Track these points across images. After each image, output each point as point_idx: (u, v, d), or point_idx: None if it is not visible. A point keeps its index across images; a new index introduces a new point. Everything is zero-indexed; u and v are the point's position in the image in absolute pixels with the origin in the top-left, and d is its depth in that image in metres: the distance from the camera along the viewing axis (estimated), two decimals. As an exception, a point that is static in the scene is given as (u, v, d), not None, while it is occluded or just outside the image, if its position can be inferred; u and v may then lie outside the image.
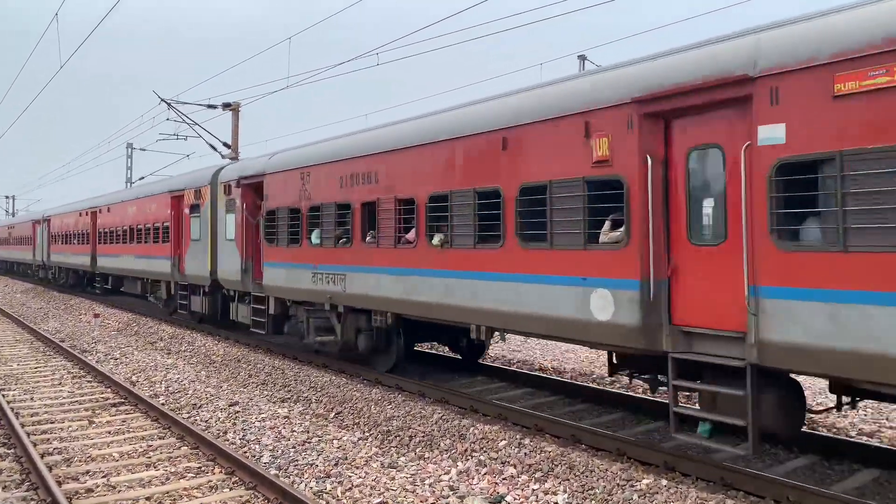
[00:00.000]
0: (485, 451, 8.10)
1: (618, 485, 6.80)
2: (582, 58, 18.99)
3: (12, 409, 10.52)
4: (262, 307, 15.11)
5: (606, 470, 7.12)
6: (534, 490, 7.01)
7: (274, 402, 11.10)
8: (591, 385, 11.49)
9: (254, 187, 15.62)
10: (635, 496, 6.55)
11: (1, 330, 20.68)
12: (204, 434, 8.91)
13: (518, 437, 8.28)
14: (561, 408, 9.99)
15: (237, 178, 16.05)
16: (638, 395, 10.44)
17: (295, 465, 8.08)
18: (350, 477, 7.62)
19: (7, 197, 72.08)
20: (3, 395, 11.44)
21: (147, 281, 23.01)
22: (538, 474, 7.36)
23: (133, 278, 24.42)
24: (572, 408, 10.00)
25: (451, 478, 7.50)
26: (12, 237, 49.25)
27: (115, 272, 26.03)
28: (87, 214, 29.63)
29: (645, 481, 6.77)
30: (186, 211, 19.22)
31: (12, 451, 8.68)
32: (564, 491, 6.91)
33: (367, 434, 9.27)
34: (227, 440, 9.19)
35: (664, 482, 6.72)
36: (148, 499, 7.13)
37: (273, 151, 15.56)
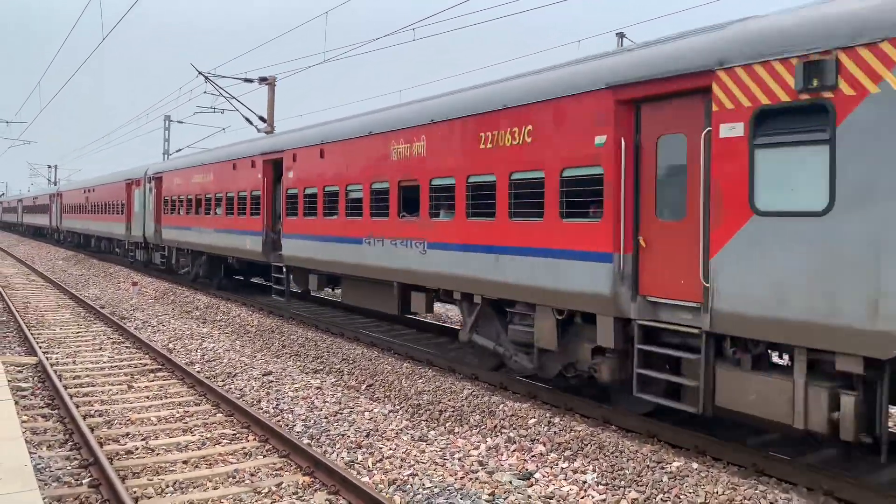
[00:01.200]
0: (514, 429, 8.15)
1: (648, 466, 6.81)
2: (620, 35, 18.64)
3: (55, 371, 10.85)
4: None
5: (636, 451, 7.12)
6: (563, 468, 7.05)
7: (306, 373, 11.28)
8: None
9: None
10: (665, 478, 6.55)
11: (44, 295, 21.27)
12: (239, 402, 9.11)
13: (548, 415, 8.31)
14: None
15: None
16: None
17: (327, 436, 8.23)
18: (381, 448, 7.74)
19: (49, 166, 73.68)
20: (48, 358, 11.80)
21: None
22: (567, 453, 7.39)
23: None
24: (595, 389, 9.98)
25: (480, 453, 7.58)
26: (91, 203, 36.79)
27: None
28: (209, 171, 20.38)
29: (675, 464, 6.76)
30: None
31: (56, 412, 8.98)
32: (594, 470, 6.94)
33: (398, 407, 9.39)
34: (261, 409, 9.38)
35: (695, 465, 6.70)
36: (185, 462, 7.34)
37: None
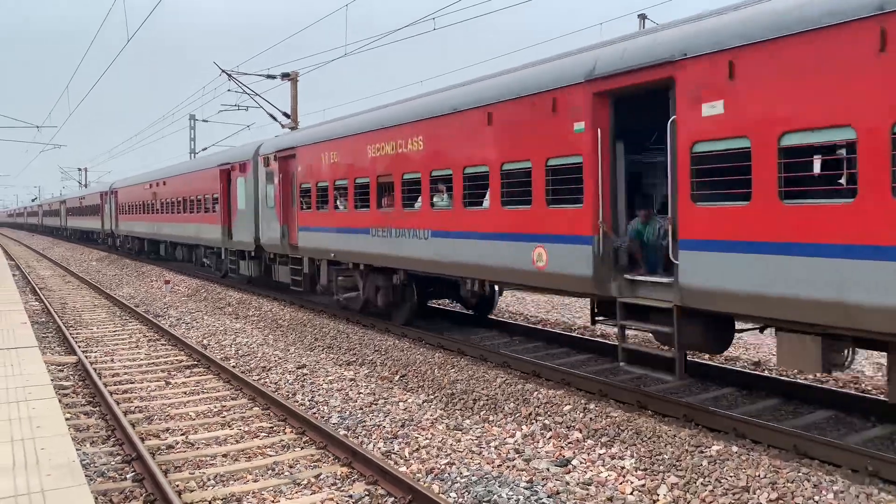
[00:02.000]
0: (549, 416, 8.14)
1: (686, 450, 6.75)
2: (642, 17, 18.36)
3: (95, 370, 11.07)
4: None
5: (674, 436, 7.07)
6: (600, 455, 7.02)
7: (340, 365, 11.37)
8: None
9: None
10: (705, 462, 6.49)
11: (80, 296, 21.70)
12: (274, 395, 9.22)
13: (583, 402, 8.28)
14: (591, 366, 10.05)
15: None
16: (704, 362, 10.27)
17: (363, 427, 8.29)
18: (417, 438, 7.78)
19: (79, 169, 74.95)
20: (87, 357, 12.04)
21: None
22: (604, 439, 7.36)
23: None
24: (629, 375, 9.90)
25: (516, 441, 7.58)
26: (161, 200, 28.97)
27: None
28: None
29: (715, 447, 6.69)
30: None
31: (97, 409, 9.17)
32: (632, 456, 6.90)
33: (432, 397, 9.42)
34: (297, 402, 9.48)
35: (735, 449, 6.63)
36: (225, 455, 7.45)
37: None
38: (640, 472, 6.56)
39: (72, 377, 10.91)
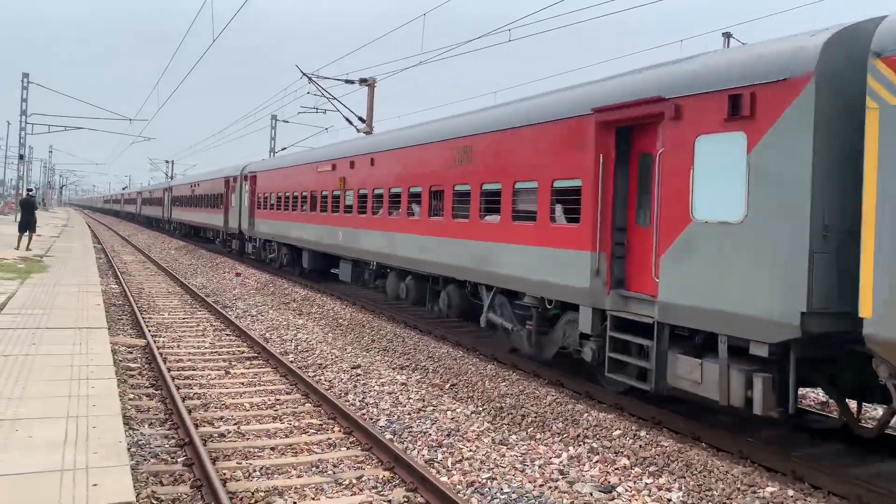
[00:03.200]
0: (598, 439, 7.95)
1: (738, 489, 6.46)
2: (727, 35, 17.82)
3: (161, 354, 11.50)
4: None
5: (727, 472, 6.77)
6: (647, 484, 6.80)
7: (393, 369, 11.44)
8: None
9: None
10: (757, 503, 6.19)
11: (157, 283, 22.65)
12: (327, 393, 9.35)
13: (634, 428, 8.05)
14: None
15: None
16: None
17: (409, 432, 8.30)
18: (461, 449, 7.73)
19: (167, 161, 78.43)
20: (155, 341, 12.54)
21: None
22: (652, 468, 7.13)
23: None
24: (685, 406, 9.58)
25: (561, 461, 7.43)
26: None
27: None
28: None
29: (769, 489, 6.37)
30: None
31: (159, 392, 9.52)
32: (680, 489, 6.65)
33: (480, 408, 9.36)
34: (348, 401, 9.59)
35: (791, 492, 6.30)
36: (272, 449, 7.59)
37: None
38: (686, 506, 6.31)
39: (139, 359, 11.37)
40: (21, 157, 47.84)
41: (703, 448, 7.55)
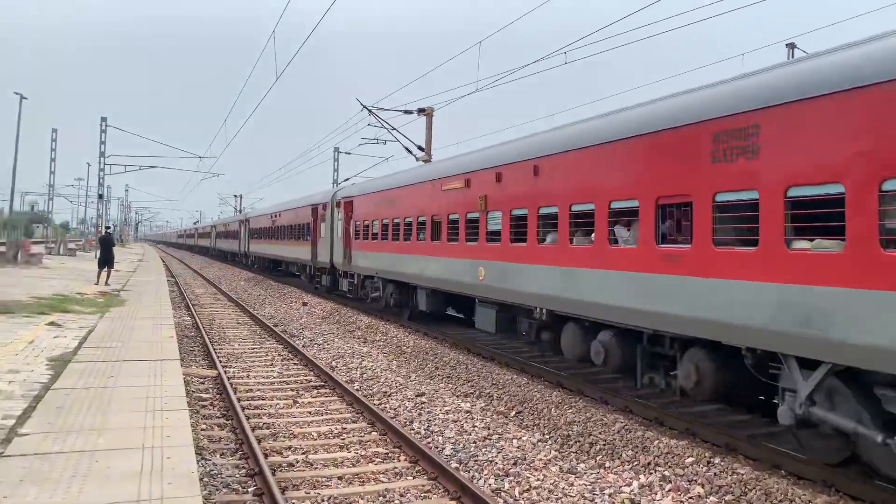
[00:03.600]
0: (669, 467, 7.70)
1: (822, 519, 6.13)
2: (791, 46, 17.34)
3: (231, 384, 11.79)
4: None
5: (809, 501, 6.45)
6: (723, 514, 6.54)
7: (458, 396, 11.40)
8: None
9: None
10: (843, 534, 5.86)
11: (227, 314, 23.31)
12: (392, 422, 9.38)
13: (707, 455, 7.77)
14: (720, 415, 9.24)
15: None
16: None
17: (475, 461, 8.23)
18: (528, 478, 7.61)
19: (235, 196, 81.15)
20: (225, 372, 12.87)
21: None
22: (728, 497, 6.85)
23: None
24: (764, 429, 9.18)
25: (632, 490, 7.23)
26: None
27: None
28: None
29: (856, 519, 6.03)
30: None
31: (230, 422, 9.74)
32: (758, 519, 6.36)
33: (547, 436, 9.21)
34: (413, 429, 9.59)
35: (880, 523, 5.94)
36: (340, 478, 7.65)
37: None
38: (767, 538, 6.03)
39: (211, 390, 11.68)
40: (100, 196, 50.36)
41: (783, 476, 7.22)
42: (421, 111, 23.91)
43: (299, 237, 31.56)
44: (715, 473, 7.32)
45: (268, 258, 41.22)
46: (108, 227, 36.04)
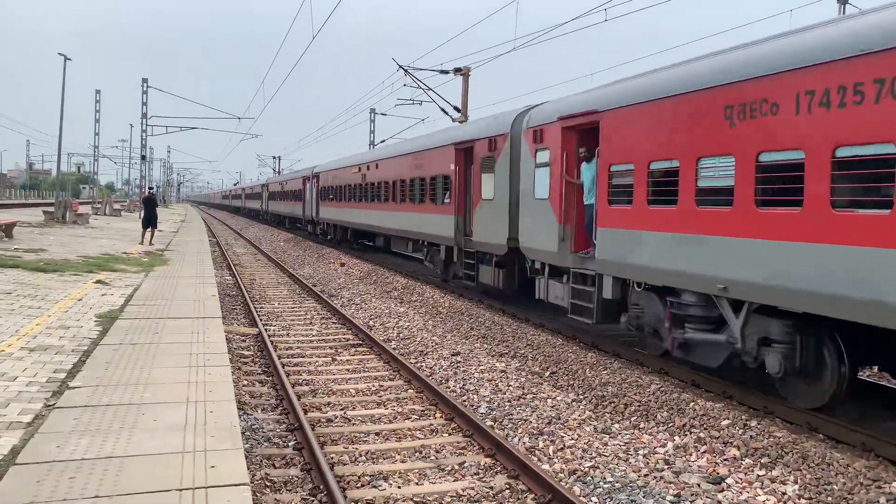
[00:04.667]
0: (705, 429, 7.68)
1: (861, 483, 6.07)
2: (843, 1, 16.56)
3: (272, 342, 12.06)
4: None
5: (848, 465, 6.38)
6: (759, 476, 6.52)
7: (492, 356, 11.49)
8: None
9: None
10: (882, 499, 5.80)
11: (267, 273, 23.73)
12: (428, 380, 9.52)
13: (744, 417, 7.72)
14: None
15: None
16: (881, 383, 9.17)
17: (509, 419, 8.33)
18: (562, 437, 7.68)
19: (274, 157, 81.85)
20: (266, 330, 13.16)
21: None
22: (765, 460, 6.81)
23: None
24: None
25: (666, 451, 7.24)
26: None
27: None
28: None
29: (896, 484, 5.96)
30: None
31: (271, 378, 9.99)
32: (795, 482, 6.33)
33: (581, 397, 9.24)
34: (449, 388, 9.72)
35: (920, 488, 5.86)
36: (377, 434, 7.82)
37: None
38: (803, 501, 6.01)
39: (252, 347, 11.97)
40: (143, 157, 51.26)
41: (821, 440, 7.15)
42: (457, 71, 23.62)
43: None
44: (751, 436, 7.28)
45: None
46: (151, 188, 36.77)
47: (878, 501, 5.79)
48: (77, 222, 35.76)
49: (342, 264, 24.91)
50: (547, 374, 10.39)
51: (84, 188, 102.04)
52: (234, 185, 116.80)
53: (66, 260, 18.46)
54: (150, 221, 26.97)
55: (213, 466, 4.79)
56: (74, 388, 6.72)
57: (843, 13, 15.92)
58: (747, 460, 6.86)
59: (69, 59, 34.69)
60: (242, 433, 6.70)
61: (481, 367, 10.69)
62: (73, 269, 16.54)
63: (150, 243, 26.41)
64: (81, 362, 7.84)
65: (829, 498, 5.99)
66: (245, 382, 9.65)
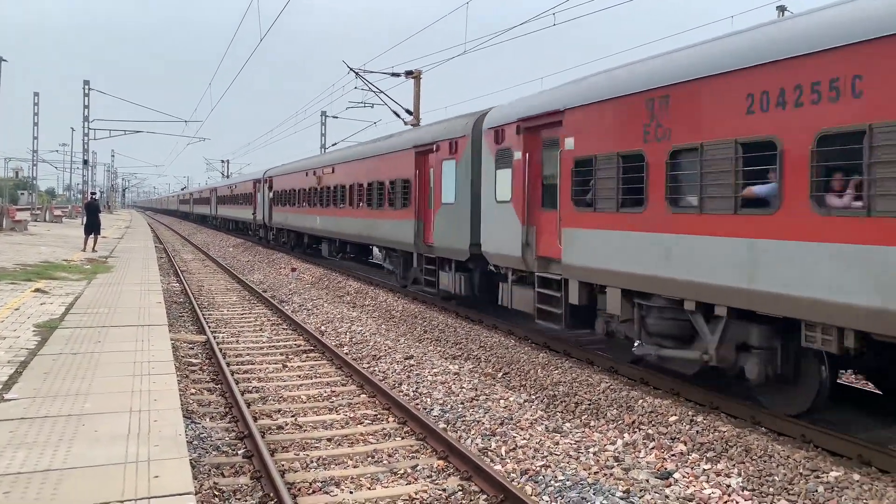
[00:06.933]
0: (653, 426, 7.83)
1: (801, 474, 6.27)
2: (781, 8, 17.18)
3: (221, 350, 11.83)
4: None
5: (788, 457, 6.59)
6: (705, 470, 6.67)
7: (446, 359, 11.49)
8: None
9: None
10: (821, 488, 6.00)
11: (216, 280, 23.27)
12: (381, 384, 9.47)
13: (690, 413, 7.90)
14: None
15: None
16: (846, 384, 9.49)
17: (462, 421, 8.34)
18: (514, 437, 7.73)
19: (222, 161, 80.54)
20: (214, 337, 12.89)
21: None
22: (710, 454, 6.98)
23: None
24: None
25: (616, 448, 7.35)
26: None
27: None
28: None
29: (833, 474, 6.17)
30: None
31: (219, 386, 9.79)
32: (739, 474, 6.50)
33: (533, 397, 9.32)
34: (402, 391, 9.68)
35: (857, 477, 6.08)
36: (329, 440, 7.73)
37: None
38: (746, 493, 6.17)
39: (200, 355, 11.72)
40: (85, 161, 49.70)
41: (763, 433, 7.36)
42: (409, 74, 23.61)
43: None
44: (697, 431, 7.45)
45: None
46: (93, 194, 35.70)
47: (817, 490, 5.99)
48: (15, 229, 34.49)
49: (293, 269, 24.62)
50: (500, 375, 10.45)
51: (22, 194, 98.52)
52: (182, 189, 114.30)
53: (3, 268, 17.78)
54: (92, 227, 26.19)
55: (156, 476, 4.66)
56: (10, 399, 6.46)
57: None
58: (694, 455, 7.02)
59: (5, 61, 33.46)
60: (189, 442, 6.55)
61: (434, 370, 10.68)
62: (10, 278, 15.93)
63: (94, 250, 25.64)
64: (18, 373, 7.55)
65: (771, 489, 6.17)
66: (193, 391, 9.43)
